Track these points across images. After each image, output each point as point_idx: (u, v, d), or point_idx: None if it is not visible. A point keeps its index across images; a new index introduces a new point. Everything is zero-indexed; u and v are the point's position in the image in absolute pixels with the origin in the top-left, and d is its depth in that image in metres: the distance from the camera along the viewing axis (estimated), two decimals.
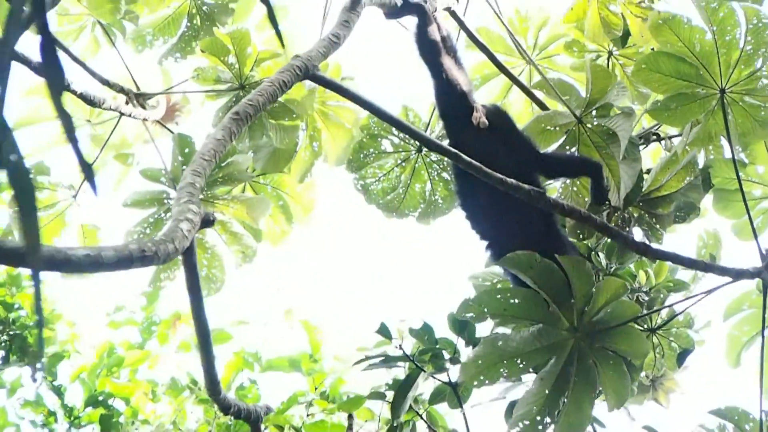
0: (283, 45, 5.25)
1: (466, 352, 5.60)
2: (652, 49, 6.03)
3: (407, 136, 7.07)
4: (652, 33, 5.83)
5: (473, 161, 5.01)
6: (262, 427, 5.69)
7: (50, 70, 1.87)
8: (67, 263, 2.69)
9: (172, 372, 10.16)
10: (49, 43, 1.85)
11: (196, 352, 10.16)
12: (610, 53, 7.44)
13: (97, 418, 9.55)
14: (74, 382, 9.76)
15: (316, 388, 9.60)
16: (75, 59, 7.32)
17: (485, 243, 5.86)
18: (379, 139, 7.09)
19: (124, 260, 2.97)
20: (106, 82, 7.45)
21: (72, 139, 1.88)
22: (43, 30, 1.83)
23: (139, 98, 7.59)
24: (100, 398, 9.66)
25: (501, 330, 5.43)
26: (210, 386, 4.59)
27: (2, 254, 2.50)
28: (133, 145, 8.22)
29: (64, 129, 1.87)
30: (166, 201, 7.11)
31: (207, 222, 3.86)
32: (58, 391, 9.68)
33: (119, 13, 7.34)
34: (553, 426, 5.22)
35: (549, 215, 5.73)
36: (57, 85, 1.89)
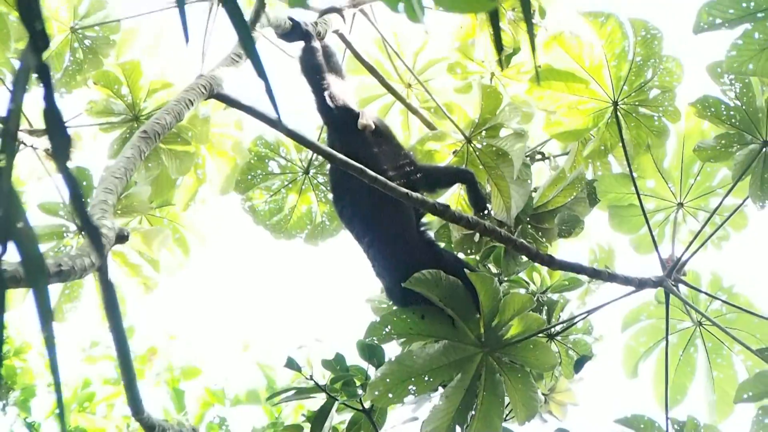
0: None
1: (378, 370, 5.53)
2: (538, 67, 6.07)
3: (294, 159, 7.07)
4: (543, 50, 5.88)
5: (379, 176, 4.95)
6: None
7: (55, 136, 1.86)
8: (44, 276, 2.57)
9: (147, 407, 10.09)
10: (54, 110, 1.85)
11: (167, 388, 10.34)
12: (493, 74, 7.47)
13: None
14: (49, 418, 9.53)
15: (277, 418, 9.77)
16: None
17: (368, 256, 5.77)
18: (267, 161, 7.04)
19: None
20: None
21: (80, 206, 1.93)
22: (48, 96, 1.83)
23: (33, 135, 7.33)
24: None
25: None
26: (132, 404, 4.40)
27: None
28: (27, 183, 7.99)
29: (71, 195, 1.90)
30: (65, 234, 7.01)
31: (121, 237, 3.80)
32: (33, 428, 9.36)
33: (9, 51, 7.09)
34: None
35: (425, 231, 5.74)
36: (63, 151, 1.88)
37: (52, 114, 1.81)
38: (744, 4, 5.29)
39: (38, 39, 1.78)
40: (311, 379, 5.55)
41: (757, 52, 5.46)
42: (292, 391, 5.69)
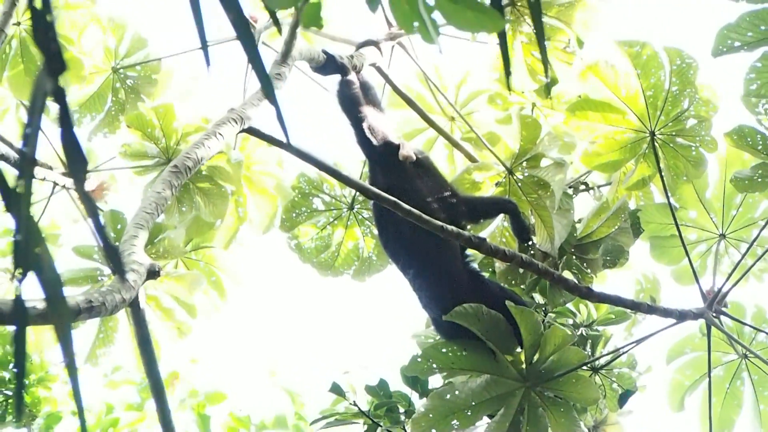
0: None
1: (420, 404, 5.53)
2: (579, 96, 6.06)
3: (338, 195, 7.09)
4: (578, 80, 5.87)
5: (413, 209, 4.95)
6: None
7: (73, 160, 1.88)
8: (16, 315, 2.61)
9: None
10: (71, 133, 1.85)
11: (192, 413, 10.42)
12: (534, 104, 7.47)
13: None
14: None
15: None
16: (1, 139, 7.09)
17: (413, 288, 5.77)
18: (311, 198, 7.06)
19: (72, 312, 2.94)
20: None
21: (98, 227, 1.96)
22: (65, 120, 1.82)
23: (67, 176, 7.44)
24: None
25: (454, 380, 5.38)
26: None
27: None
28: (61, 227, 8.11)
29: (89, 214, 1.92)
30: (99, 278, 7.06)
31: (153, 273, 3.81)
32: None
33: None
34: None
35: (469, 262, 5.74)
36: (80, 174, 1.92)
37: (68, 137, 1.82)
38: (763, 27, 5.26)
39: (54, 62, 1.79)
40: (354, 404, 5.57)
41: None
42: (335, 416, 5.71)
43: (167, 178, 4.24)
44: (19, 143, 7.19)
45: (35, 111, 1.82)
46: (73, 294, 3.01)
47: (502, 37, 2.31)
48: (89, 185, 7.68)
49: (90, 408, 10.26)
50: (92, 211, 1.90)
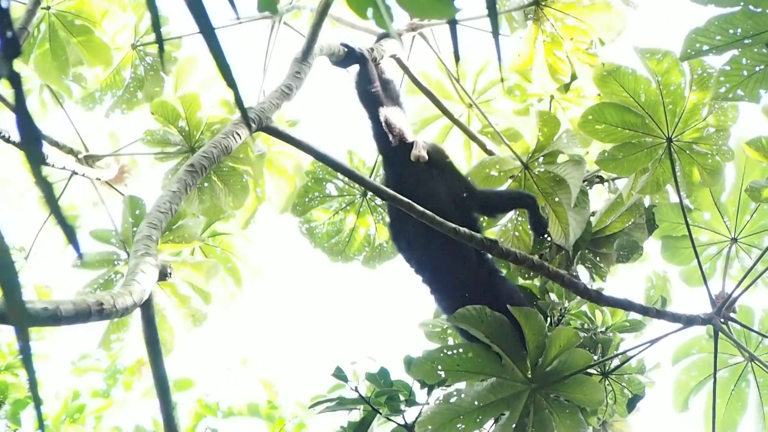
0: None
1: (421, 394, 5.57)
2: (598, 95, 6.06)
3: (351, 181, 7.06)
4: (597, 84, 5.86)
5: (426, 211, 4.97)
6: None
7: (28, 142, 1.85)
8: (26, 317, 2.63)
9: (137, 419, 10.22)
10: (26, 116, 1.83)
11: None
12: (552, 97, 7.46)
13: None
14: (38, 429, 9.65)
15: None
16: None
17: (429, 289, 5.81)
18: (324, 183, 7.08)
19: (82, 314, 2.95)
20: (55, 144, 7.32)
21: (54, 207, 1.84)
22: (20, 103, 1.79)
23: (89, 160, 7.46)
24: None
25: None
26: None
27: None
28: (80, 207, 8.13)
29: (45, 198, 1.86)
30: (116, 262, 7.08)
31: (164, 275, 3.82)
32: None
33: (67, 77, 7.25)
34: None
35: (486, 259, 5.75)
36: (36, 156, 1.88)
37: (24, 120, 1.81)
38: (731, 31, 5.23)
39: (8, 46, 1.79)
40: (356, 390, 5.60)
41: (745, 78, 5.40)
42: (335, 401, 5.73)
43: (183, 177, 4.24)
44: (41, 125, 7.25)
45: None
46: (86, 296, 3.04)
47: (452, 24, 2.31)
48: (110, 172, 7.73)
49: (58, 394, 10.26)
50: (44, 187, 1.90)
